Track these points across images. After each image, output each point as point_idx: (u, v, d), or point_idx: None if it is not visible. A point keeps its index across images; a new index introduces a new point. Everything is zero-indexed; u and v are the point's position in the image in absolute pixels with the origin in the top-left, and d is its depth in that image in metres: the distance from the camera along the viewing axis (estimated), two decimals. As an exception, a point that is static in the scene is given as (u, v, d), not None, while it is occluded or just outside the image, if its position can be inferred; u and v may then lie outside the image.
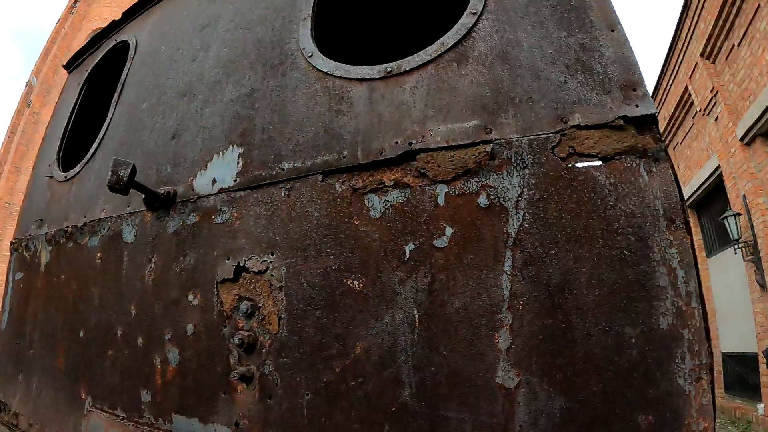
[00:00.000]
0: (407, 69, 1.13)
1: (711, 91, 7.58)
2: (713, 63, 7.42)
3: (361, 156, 1.09)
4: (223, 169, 1.40)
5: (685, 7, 7.68)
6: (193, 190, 1.48)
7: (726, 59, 6.99)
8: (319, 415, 1.00)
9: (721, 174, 8.30)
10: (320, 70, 1.31)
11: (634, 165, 0.87)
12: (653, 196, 0.85)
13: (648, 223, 0.84)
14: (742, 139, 6.88)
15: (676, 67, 9.01)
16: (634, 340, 0.79)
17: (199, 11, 1.95)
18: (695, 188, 9.23)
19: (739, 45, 6.44)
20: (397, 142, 1.05)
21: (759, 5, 5.63)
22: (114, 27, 2.54)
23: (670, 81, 9.58)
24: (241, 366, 1.17)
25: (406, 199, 1.00)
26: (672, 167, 0.89)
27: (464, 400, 0.86)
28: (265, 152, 1.30)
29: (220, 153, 1.44)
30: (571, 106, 0.93)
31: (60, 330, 1.86)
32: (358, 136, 1.12)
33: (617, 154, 0.88)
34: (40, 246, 2.17)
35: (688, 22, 7.77)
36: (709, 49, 7.28)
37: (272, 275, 1.16)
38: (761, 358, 6.60)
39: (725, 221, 7.45)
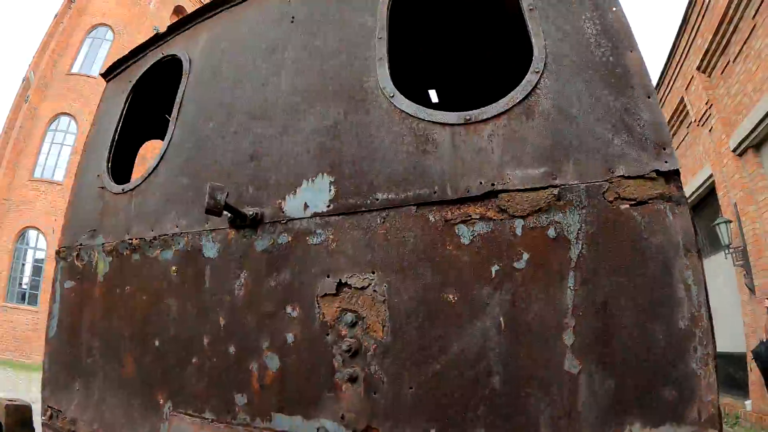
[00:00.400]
0: (484, 118, 1.37)
1: (706, 104, 7.99)
2: (709, 77, 7.83)
3: (450, 192, 1.33)
4: (314, 195, 1.58)
5: (684, 22, 8.09)
6: (283, 212, 1.63)
7: (721, 74, 7.40)
8: (422, 403, 1.24)
9: (713, 182, 8.74)
10: (404, 111, 1.51)
11: (662, 208, 1.18)
12: (675, 232, 1.16)
13: (671, 252, 1.15)
14: (734, 150, 7.30)
15: (673, 78, 9.43)
16: (661, 337, 1.10)
17: (262, 34, 2.03)
18: (688, 195, 9.69)
19: (734, 61, 6.84)
20: (481, 183, 1.30)
21: (755, 25, 6.02)
22: (158, 39, 2.59)
23: (667, 90, 10.00)
24: (347, 368, 1.36)
25: (490, 229, 1.25)
26: (689, 210, 1.21)
27: (541, 384, 1.14)
28: (358, 182, 1.51)
29: (309, 180, 1.61)
30: (617, 159, 1.21)
31: (127, 339, 1.94)
32: (445, 175, 1.36)
33: (650, 199, 1.19)
34: (96, 256, 2.22)
35: (686, 36, 8.18)
36: (705, 63, 7.69)
37: (375, 290, 1.37)
38: (749, 357, 7.04)
39: (717, 228, 7.89)
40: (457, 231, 1.30)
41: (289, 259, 1.59)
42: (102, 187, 2.37)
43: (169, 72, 2.55)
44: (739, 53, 6.65)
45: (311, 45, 1.85)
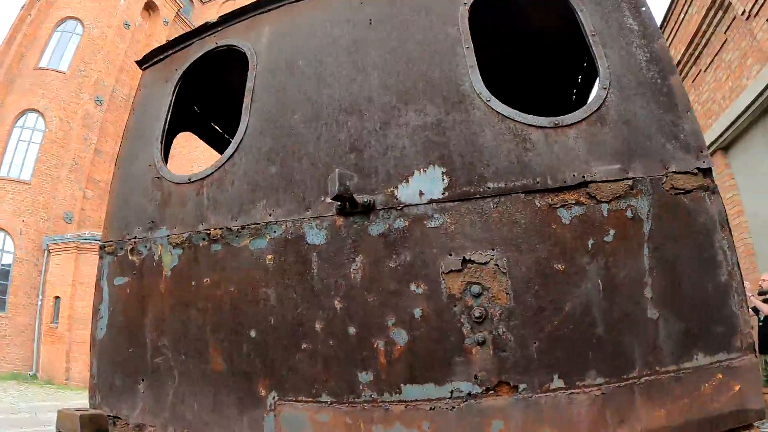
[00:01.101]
0: (569, 123, 1.72)
1: (679, 109, 8.79)
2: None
3: (551, 182, 1.67)
4: (428, 184, 1.78)
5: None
6: (396, 199, 1.79)
7: (692, 82, 8.17)
8: (544, 355, 1.55)
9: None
10: (501, 114, 1.79)
11: (703, 195, 1.60)
12: (713, 213, 1.58)
13: (711, 228, 1.57)
14: (705, 152, 8.10)
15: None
16: (710, 288, 1.52)
17: (339, 33, 2.17)
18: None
19: (705, 71, 7.62)
20: (574, 175, 1.65)
21: (726, 39, 6.79)
22: (204, 30, 2.59)
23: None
24: (476, 333, 1.60)
25: (584, 212, 1.61)
26: (720, 197, 1.65)
27: (631, 329, 1.51)
28: (469, 173, 1.77)
29: (421, 170, 1.82)
30: (669, 159, 1.62)
31: (211, 333, 1.93)
32: (544, 168, 1.69)
33: (693, 189, 1.60)
34: (160, 249, 2.15)
35: (660, 45, 9.02)
36: (678, 71, 8.47)
37: (496, 264, 1.64)
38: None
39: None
40: (558, 213, 1.64)
41: (408, 241, 1.74)
42: (158, 177, 2.30)
43: (208, 63, 2.60)
44: (710, 64, 7.43)
45: (395, 48, 2.04)
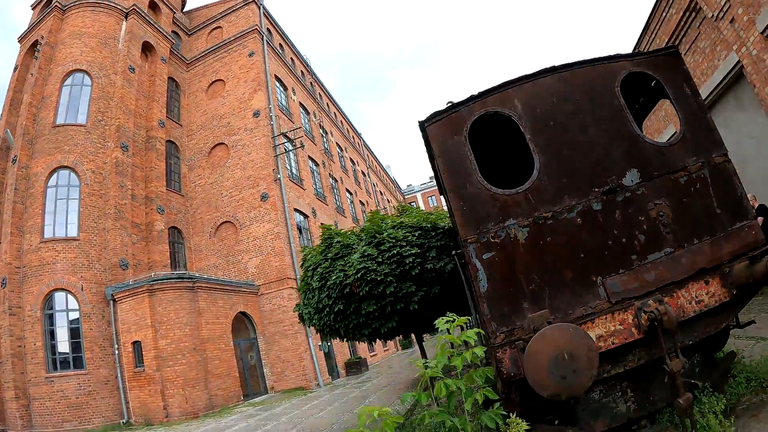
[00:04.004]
0: (672, 143, 3.92)
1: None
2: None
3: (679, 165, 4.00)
4: (632, 176, 3.77)
5: (646, 28, 12.08)
6: (623, 184, 3.78)
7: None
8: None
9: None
10: (650, 141, 3.93)
11: (726, 163, 3.77)
12: (731, 169, 3.74)
13: (732, 174, 3.74)
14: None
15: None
16: (738, 195, 3.67)
17: (568, 100, 3.93)
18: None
19: (685, 54, 10.89)
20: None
21: (699, 32, 10.03)
22: (471, 99, 4.01)
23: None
24: (666, 228, 3.70)
25: (687, 179, 4.30)
26: (732, 164, 3.88)
27: (716, 218, 3.63)
28: (648, 168, 3.77)
29: (629, 170, 3.82)
30: (713, 150, 3.83)
31: (560, 262, 3.51)
32: (670, 159, 3.96)
33: (723, 161, 3.78)
34: (513, 231, 3.65)
35: (647, 37, 12.22)
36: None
37: (667, 205, 3.71)
38: None
39: None
40: (681, 180, 3.76)
41: (631, 202, 3.75)
42: (492, 194, 3.79)
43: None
44: (688, 50, 10.70)
45: (598, 112, 3.96)
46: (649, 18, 11.48)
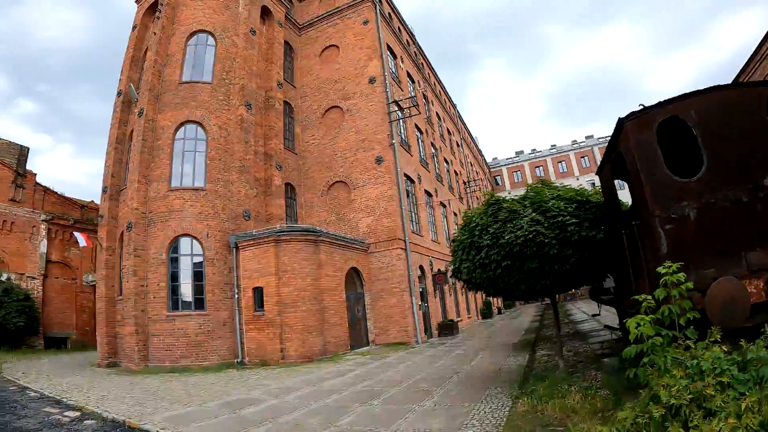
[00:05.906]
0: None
1: None
2: None
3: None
4: None
5: (754, 55, 11.19)
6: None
7: None
8: None
9: None
10: None
11: None
12: None
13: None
14: None
15: None
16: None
17: (730, 115, 5.22)
18: None
19: None
20: None
21: None
22: (660, 104, 5.57)
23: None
24: None
25: None
26: None
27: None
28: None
29: None
30: None
31: (715, 237, 5.06)
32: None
33: None
34: (686, 210, 5.13)
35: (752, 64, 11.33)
36: None
37: None
38: None
39: None
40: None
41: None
42: (673, 180, 5.39)
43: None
44: None
45: (748, 125, 5.25)
46: (759, 45, 11.09)
